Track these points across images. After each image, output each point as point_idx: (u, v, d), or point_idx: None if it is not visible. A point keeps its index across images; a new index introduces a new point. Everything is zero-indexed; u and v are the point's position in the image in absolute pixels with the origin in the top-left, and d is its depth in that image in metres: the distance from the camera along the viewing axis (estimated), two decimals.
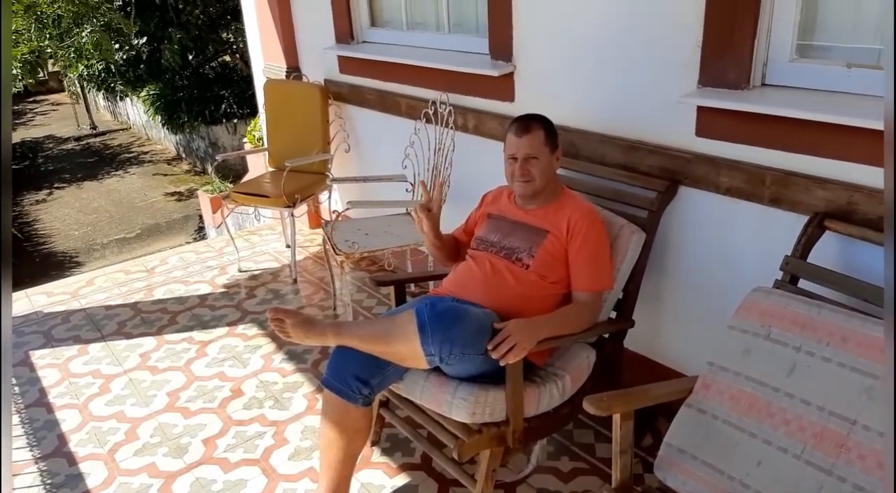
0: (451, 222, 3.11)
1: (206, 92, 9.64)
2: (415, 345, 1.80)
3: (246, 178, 5.19)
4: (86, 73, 9.13)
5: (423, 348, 1.80)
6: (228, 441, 2.50)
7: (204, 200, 6.42)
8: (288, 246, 4.20)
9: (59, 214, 9.37)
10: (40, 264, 7.89)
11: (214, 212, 6.31)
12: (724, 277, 2.18)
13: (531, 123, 2.07)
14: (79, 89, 13.47)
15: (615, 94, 2.34)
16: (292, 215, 3.61)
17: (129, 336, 3.27)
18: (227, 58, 10.28)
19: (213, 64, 10.41)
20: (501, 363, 1.81)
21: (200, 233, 8.60)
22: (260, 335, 3.22)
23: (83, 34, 7.39)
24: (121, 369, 3.00)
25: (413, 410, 2.08)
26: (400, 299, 2.35)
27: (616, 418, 1.65)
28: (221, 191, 6.36)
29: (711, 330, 2.25)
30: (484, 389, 1.90)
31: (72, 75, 8.84)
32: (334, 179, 3.22)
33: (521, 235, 2.10)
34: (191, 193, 9.83)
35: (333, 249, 2.92)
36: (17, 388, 2.92)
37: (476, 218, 2.32)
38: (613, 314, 2.24)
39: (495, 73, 2.65)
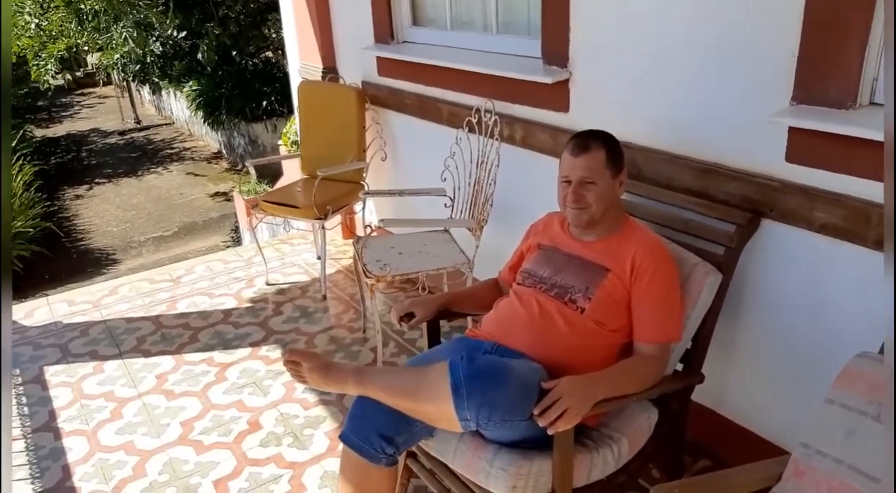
0: (492, 248, 2.87)
1: (246, 89, 9.50)
2: (447, 407, 1.53)
3: (279, 183, 4.99)
4: (121, 64, 9.07)
5: (457, 412, 1.52)
6: (241, 484, 2.26)
7: (239, 201, 6.25)
8: (319, 258, 3.97)
9: (99, 209, 9.35)
10: (77, 260, 7.85)
11: (249, 215, 6.14)
12: (816, 330, 1.85)
13: (591, 140, 1.77)
14: (123, 82, 13.54)
15: (689, 107, 2.03)
16: (323, 228, 3.38)
17: (147, 354, 3.07)
18: (270, 54, 10.15)
19: (255, 60, 10.29)
20: (550, 432, 1.53)
21: (237, 233, 8.48)
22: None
23: (119, 29, 7.31)
24: (135, 392, 2.80)
25: (444, 471, 1.81)
26: (433, 337, 2.08)
27: None
28: (257, 192, 6.19)
29: (796, 389, 1.94)
30: (527, 457, 1.62)
31: (104, 63, 8.76)
32: (367, 192, 2.98)
33: (575, 272, 1.81)
34: (229, 192, 9.73)
35: (364, 270, 2.67)
36: (27, 408, 2.74)
37: (525, 249, 2.03)
38: (679, 366, 1.93)
39: (548, 80, 2.36)
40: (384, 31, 3.32)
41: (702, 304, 1.83)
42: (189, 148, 11.91)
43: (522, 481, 1.60)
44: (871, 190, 1.64)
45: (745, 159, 1.91)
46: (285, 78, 9.84)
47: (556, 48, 2.39)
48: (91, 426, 2.61)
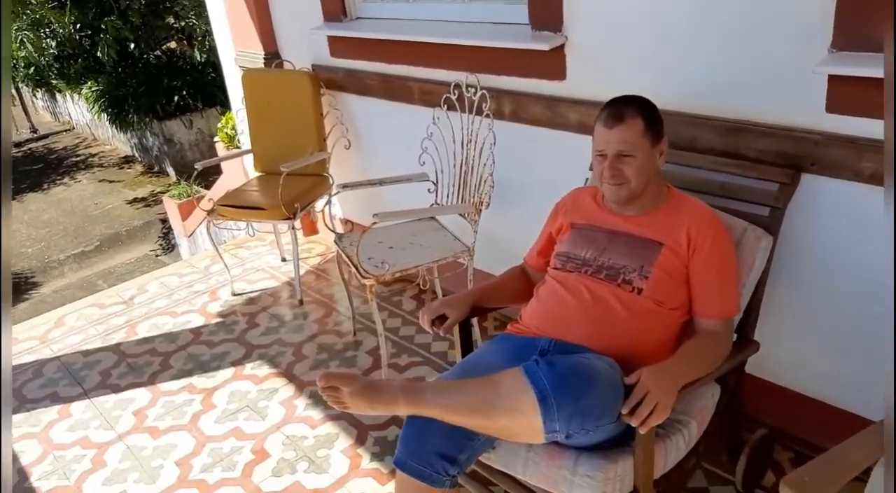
0: (490, 233, 2.72)
1: (154, 85, 8.87)
2: (533, 420, 1.37)
3: (220, 185, 4.64)
4: (16, 71, 8.28)
5: (545, 425, 1.36)
6: None
7: (171, 206, 5.82)
8: (284, 260, 3.71)
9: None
10: None
11: (185, 219, 5.73)
12: (866, 283, 1.79)
13: (626, 109, 1.62)
14: (13, 90, 12.44)
15: (709, 62, 1.91)
16: (293, 228, 3.11)
17: (116, 389, 2.75)
18: (173, 44, 9.50)
19: (157, 53, 9.61)
20: (642, 431, 1.40)
21: (166, 240, 7.96)
22: (273, 375, 2.74)
23: (15, 32, 6.61)
24: (114, 434, 2.49)
25: (511, 485, 1.65)
26: (466, 339, 1.90)
27: None
28: (189, 196, 5.77)
29: (847, 347, 1.88)
30: (611, 460, 1.48)
31: None
32: (345, 185, 2.74)
33: (625, 250, 1.67)
34: (152, 198, 9.12)
35: (358, 271, 2.45)
36: None
37: (554, 231, 1.87)
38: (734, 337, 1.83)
39: (545, 47, 2.19)
40: (334, 8, 3.05)
41: (755, 271, 1.73)
42: (95, 154, 11.09)
43: (611, 486, 1.47)
44: None
45: (778, 114, 1.81)
46: (195, 70, 9.28)
47: (546, 11, 2.22)
48: (72, 480, 2.30)
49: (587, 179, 2.14)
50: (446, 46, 2.58)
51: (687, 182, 1.93)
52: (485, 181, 2.47)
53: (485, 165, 2.48)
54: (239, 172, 4.15)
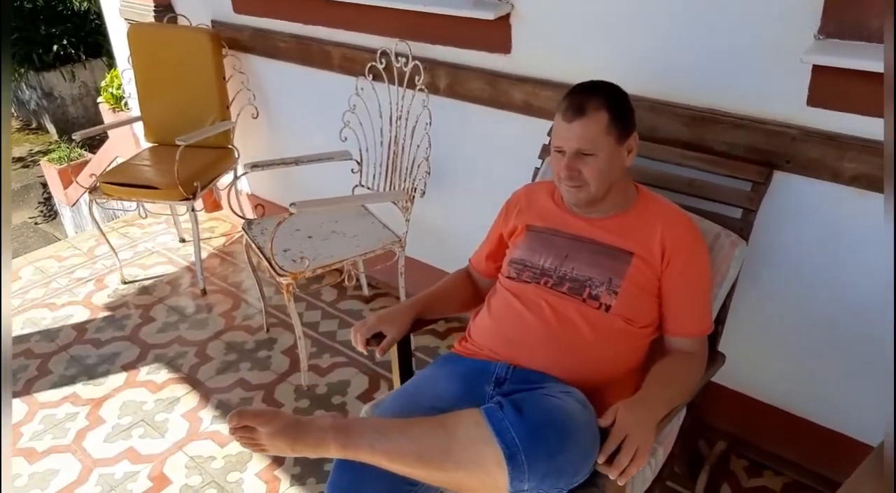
0: (423, 221, 2.44)
1: (30, 31, 7.88)
2: (497, 478, 1.14)
3: (105, 153, 4.10)
4: None
5: (512, 485, 1.14)
6: None
7: (51, 172, 5.18)
8: (183, 241, 3.30)
9: None
10: None
11: (66, 187, 5.12)
12: (841, 293, 1.66)
13: (588, 100, 1.39)
14: None
15: (675, 40, 1.69)
16: (193, 210, 2.72)
17: None
18: None
19: None
20: (621, 482, 1.20)
21: (47, 206, 7.18)
22: (174, 381, 2.40)
23: None
24: None
25: None
26: (405, 359, 1.65)
27: None
28: (70, 160, 5.15)
29: (815, 356, 1.77)
30: None
31: None
32: (254, 165, 2.38)
33: (590, 259, 1.46)
34: (30, 158, 8.20)
35: (272, 267, 2.13)
36: None
37: (506, 233, 1.63)
38: None
39: (489, 16, 1.91)
40: None
41: (728, 281, 1.57)
42: None
43: None
44: None
45: (751, 104, 1.63)
46: (77, 16, 8.31)
47: None
48: None
49: (537, 169, 1.91)
50: (373, 8, 2.25)
51: (650, 178, 1.73)
52: (419, 166, 2.19)
53: (418, 146, 2.20)
54: (128, 140, 3.66)
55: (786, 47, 1.51)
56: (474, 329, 1.56)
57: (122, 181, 2.68)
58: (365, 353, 1.58)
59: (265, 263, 2.23)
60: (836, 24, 1.44)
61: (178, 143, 2.55)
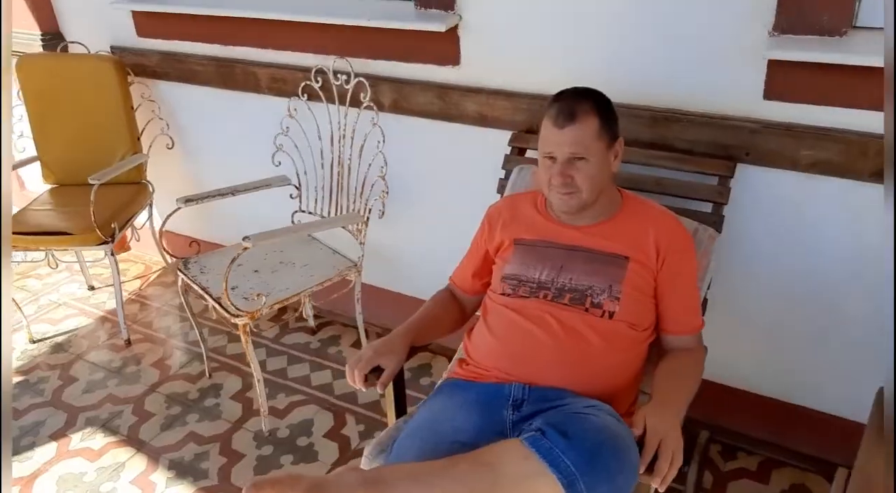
0: (378, 242, 2.35)
1: None
2: None
3: None
4: None
5: None
6: None
7: None
8: (92, 288, 3.01)
9: None
10: None
11: None
12: (804, 274, 1.75)
13: (579, 106, 1.39)
14: None
15: (630, 43, 1.73)
16: (112, 254, 2.47)
17: None
18: None
19: None
20: (662, 489, 1.19)
21: None
22: (114, 444, 2.16)
23: None
24: None
25: None
26: (400, 396, 1.56)
27: None
28: None
29: (787, 339, 1.85)
30: None
31: None
32: (187, 200, 2.18)
33: (587, 268, 1.45)
34: None
35: (221, 307, 1.97)
36: None
37: (492, 249, 1.59)
38: None
39: (440, 28, 1.86)
40: None
41: (710, 273, 1.61)
42: None
43: None
44: (868, 121, 1.53)
45: (710, 102, 1.69)
46: None
47: None
48: None
49: (502, 179, 1.89)
50: (304, 25, 2.15)
51: (619, 180, 1.75)
52: (372, 185, 2.10)
53: (369, 165, 2.11)
54: (13, 186, 3.29)
55: (741, 45, 1.58)
56: (475, 350, 1.50)
57: (27, 230, 2.39)
58: (363, 390, 1.47)
59: (211, 303, 2.06)
60: (787, 20, 1.52)
61: (90, 182, 2.31)
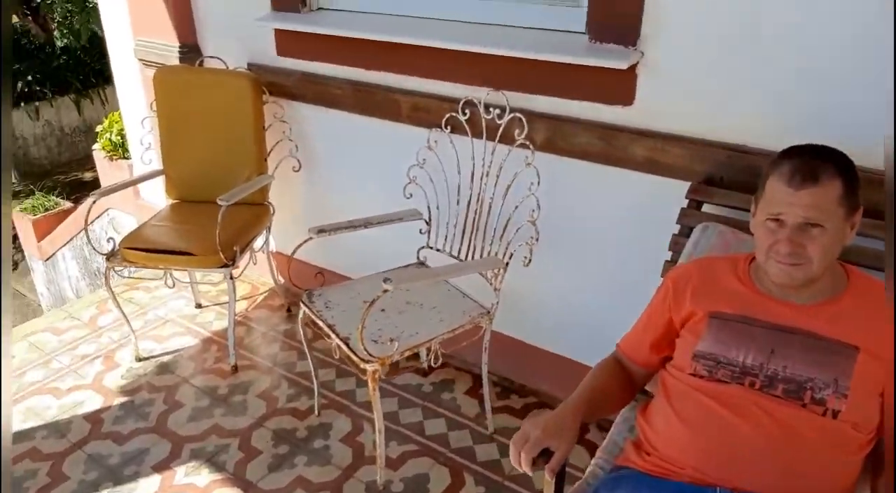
0: (521, 295, 2.15)
1: None
2: None
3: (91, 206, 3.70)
4: None
5: None
6: None
7: (23, 223, 4.71)
8: (200, 307, 2.94)
9: None
10: None
11: (41, 239, 4.66)
12: None
13: (822, 166, 1.18)
14: None
15: (862, 93, 1.49)
16: (232, 277, 2.38)
17: None
18: (16, 19, 8.02)
19: None
20: None
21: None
22: (219, 483, 2.03)
23: None
24: None
25: None
26: (559, 482, 1.35)
27: None
28: (46, 209, 4.71)
29: None
30: None
31: None
32: (320, 231, 2.06)
33: (806, 356, 1.22)
34: None
35: (351, 352, 1.82)
36: None
37: (678, 319, 1.38)
38: None
39: (621, 65, 1.68)
40: None
41: None
42: None
43: None
44: None
45: None
46: (41, 50, 7.86)
47: (617, 21, 1.71)
48: None
49: (675, 235, 1.67)
50: (455, 53, 2.01)
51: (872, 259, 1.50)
52: (518, 229, 1.92)
53: (516, 207, 1.94)
54: (124, 192, 3.27)
55: None
56: (658, 438, 1.29)
57: (148, 247, 2.32)
58: (529, 474, 1.28)
59: (335, 342, 1.92)
60: None
61: (219, 203, 2.22)
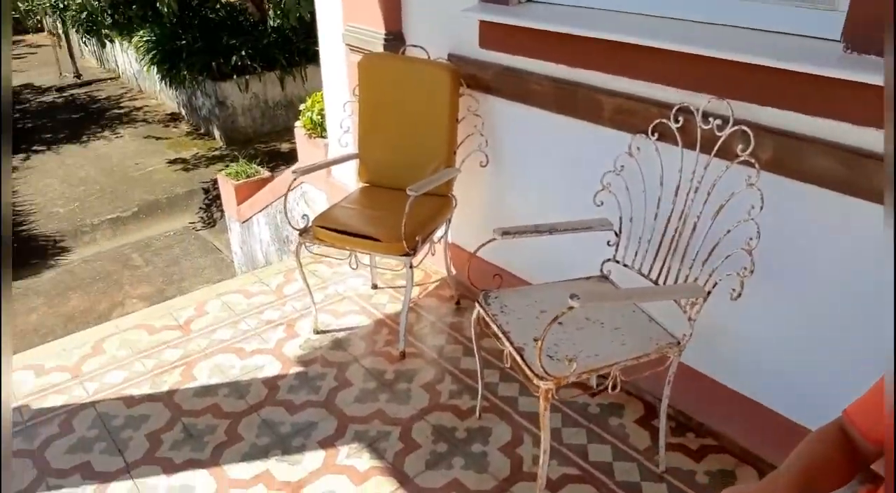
0: (719, 329, 1.89)
1: (212, 41, 8.18)
2: None
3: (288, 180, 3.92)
4: (53, 9, 7.67)
5: None
6: None
7: (226, 186, 5.14)
8: (376, 287, 3.00)
9: (40, 185, 7.97)
10: (18, 249, 6.59)
11: (240, 202, 5.06)
12: None
13: None
14: (61, 30, 11.82)
15: None
16: (411, 267, 2.39)
17: (168, 468, 2.07)
18: None
19: (217, 6, 8.91)
20: None
21: (208, 212, 7.32)
22: (378, 470, 2.05)
23: None
24: None
25: None
26: None
27: None
28: (248, 176, 5.09)
29: None
30: None
31: (36, 5, 7.45)
32: (505, 233, 2.00)
33: None
34: (194, 161, 8.48)
35: (528, 367, 1.73)
36: None
37: None
38: None
39: (879, 81, 1.42)
40: None
41: None
42: (140, 108, 10.46)
43: None
44: None
45: None
46: (255, 28, 8.57)
47: (883, 29, 1.45)
48: None
49: None
50: (673, 54, 1.83)
51: None
52: (728, 256, 1.71)
53: (728, 231, 1.73)
54: (321, 172, 3.42)
55: None
56: None
57: (338, 228, 2.39)
58: None
59: (507, 350, 1.84)
60: None
61: (409, 193, 2.22)
